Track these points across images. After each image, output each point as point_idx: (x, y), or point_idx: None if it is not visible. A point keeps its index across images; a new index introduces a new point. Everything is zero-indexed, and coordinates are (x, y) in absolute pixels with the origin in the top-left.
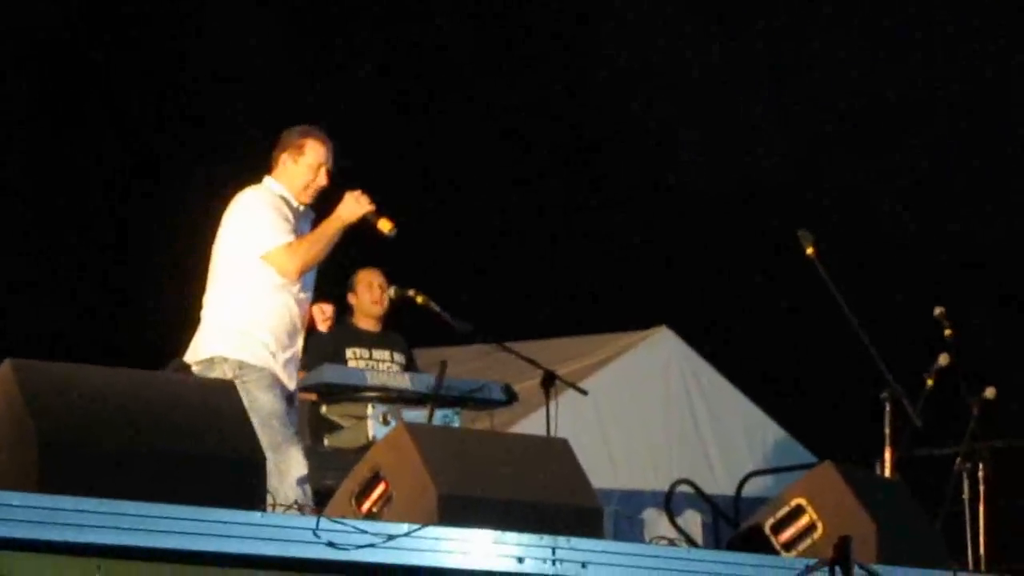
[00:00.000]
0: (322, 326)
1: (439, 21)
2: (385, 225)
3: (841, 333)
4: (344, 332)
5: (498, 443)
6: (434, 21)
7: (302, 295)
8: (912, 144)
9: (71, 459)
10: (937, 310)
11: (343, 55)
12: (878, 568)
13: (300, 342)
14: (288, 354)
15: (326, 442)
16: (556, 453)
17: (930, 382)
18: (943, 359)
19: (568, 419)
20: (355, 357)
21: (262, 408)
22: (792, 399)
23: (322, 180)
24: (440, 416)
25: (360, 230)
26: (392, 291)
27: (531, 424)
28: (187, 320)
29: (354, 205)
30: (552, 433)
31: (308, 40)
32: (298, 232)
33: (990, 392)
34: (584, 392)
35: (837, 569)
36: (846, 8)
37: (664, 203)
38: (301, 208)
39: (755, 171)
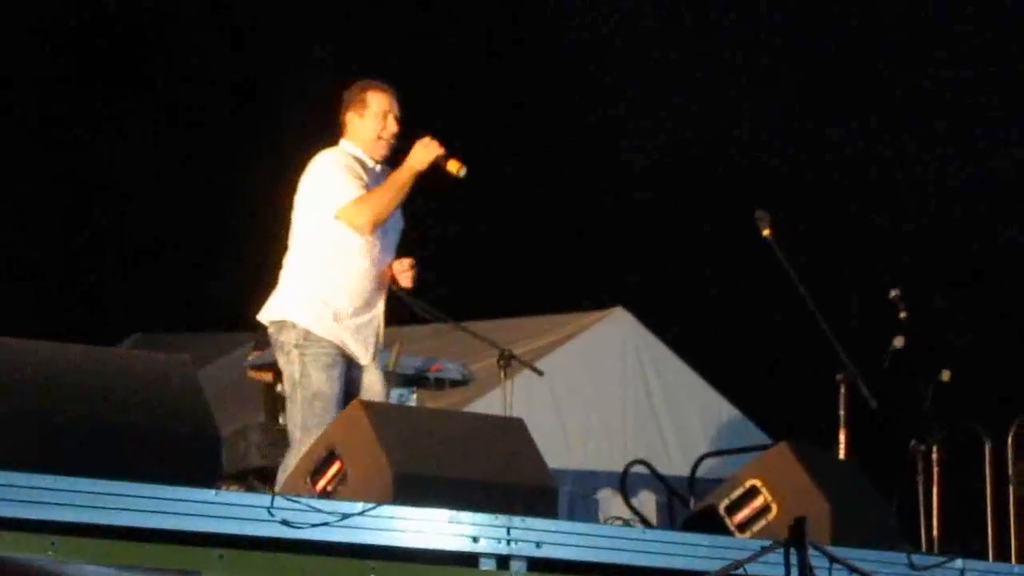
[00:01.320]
0: (404, 281)
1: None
2: (454, 166)
3: (797, 314)
4: None
5: (454, 422)
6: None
7: (383, 256)
8: (869, 124)
9: (24, 435)
10: (893, 292)
11: None
12: (833, 549)
13: (380, 305)
14: (364, 318)
15: (281, 420)
16: (511, 432)
17: (885, 364)
18: (898, 341)
19: (524, 399)
20: None
21: (310, 385)
22: (747, 380)
23: (392, 127)
24: (396, 395)
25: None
26: None
27: (487, 403)
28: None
29: (423, 152)
30: (508, 413)
31: None
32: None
33: (945, 374)
34: (540, 372)
35: (793, 550)
36: None
37: (621, 183)
38: (377, 167)
39: (711, 151)
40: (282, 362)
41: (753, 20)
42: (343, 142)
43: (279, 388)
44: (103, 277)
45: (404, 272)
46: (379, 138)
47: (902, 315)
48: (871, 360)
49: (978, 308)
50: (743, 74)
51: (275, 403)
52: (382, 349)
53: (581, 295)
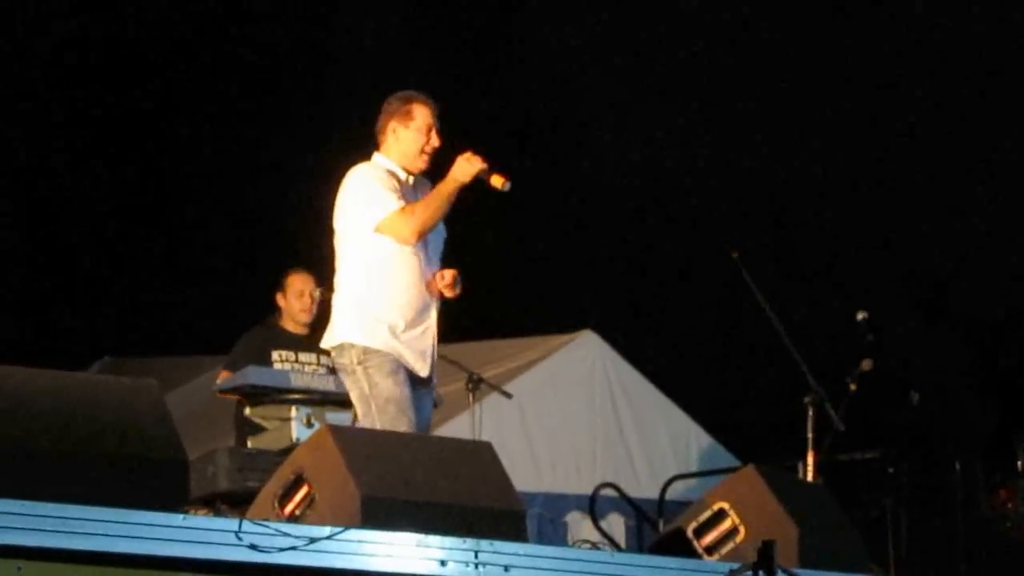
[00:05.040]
0: (448, 293)
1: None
2: (498, 181)
3: (764, 337)
4: (270, 334)
5: (422, 446)
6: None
7: (427, 268)
8: (836, 147)
9: None
10: (860, 315)
11: None
12: (800, 572)
13: (432, 316)
14: (418, 330)
15: (249, 443)
16: (480, 456)
17: (852, 386)
18: (865, 364)
19: (492, 422)
20: (281, 359)
21: (380, 393)
22: (715, 403)
23: (434, 142)
24: None
25: (475, 188)
26: (319, 292)
27: (455, 427)
28: None
29: (466, 165)
30: (476, 436)
31: None
32: (409, 202)
33: (913, 396)
34: (508, 395)
35: (761, 573)
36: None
37: (590, 207)
38: (412, 180)
39: (681, 176)
40: (349, 384)
41: (718, 46)
42: (377, 156)
43: (247, 411)
44: (71, 302)
45: (446, 284)
46: (422, 152)
47: (869, 338)
48: (838, 383)
49: (945, 331)
50: (709, 98)
51: (243, 427)
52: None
53: (550, 318)
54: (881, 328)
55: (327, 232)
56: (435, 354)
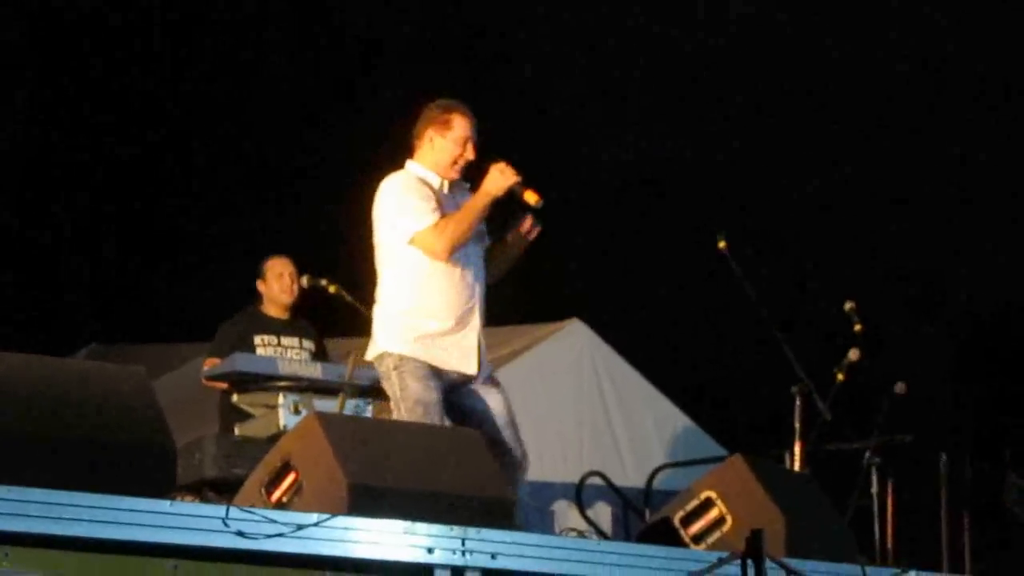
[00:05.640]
0: (533, 235)
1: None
2: (531, 197)
3: (752, 327)
4: (252, 319)
5: (409, 433)
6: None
7: (466, 273)
8: (823, 137)
9: None
10: (847, 305)
11: None
12: (788, 561)
13: (475, 316)
14: (460, 333)
15: (236, 431)
16: (467, 444)
17: (840, 376)
18: (853, 354)
19: None
20: (263, 344)
21: (409, 395)
22: (703, 392)
23: (470, 154)
24: (351, 406)
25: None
26: (305, 280)
27: None
28: None
29: (500, 178)
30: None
31: None
32: (446, 210)
33: (900, 387)
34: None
35: (749, 562)
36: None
37: (578, 196)
38: (445, 187)
39: (669, 164)
40: (387, 389)
41: (707, 32)
42: (411, 164)
43: (234, 399)
44: (58, 288)
45: (528, 230)
46: (454, 163)
47: (857, 327)
48: (826, 372)
49: (933, 321)
50: (698, 87)
51: (230, 414)
52: (331, 360)
53: (537, 307)
54: (869, 318)
55: (311, 222)
56: (483, 356)
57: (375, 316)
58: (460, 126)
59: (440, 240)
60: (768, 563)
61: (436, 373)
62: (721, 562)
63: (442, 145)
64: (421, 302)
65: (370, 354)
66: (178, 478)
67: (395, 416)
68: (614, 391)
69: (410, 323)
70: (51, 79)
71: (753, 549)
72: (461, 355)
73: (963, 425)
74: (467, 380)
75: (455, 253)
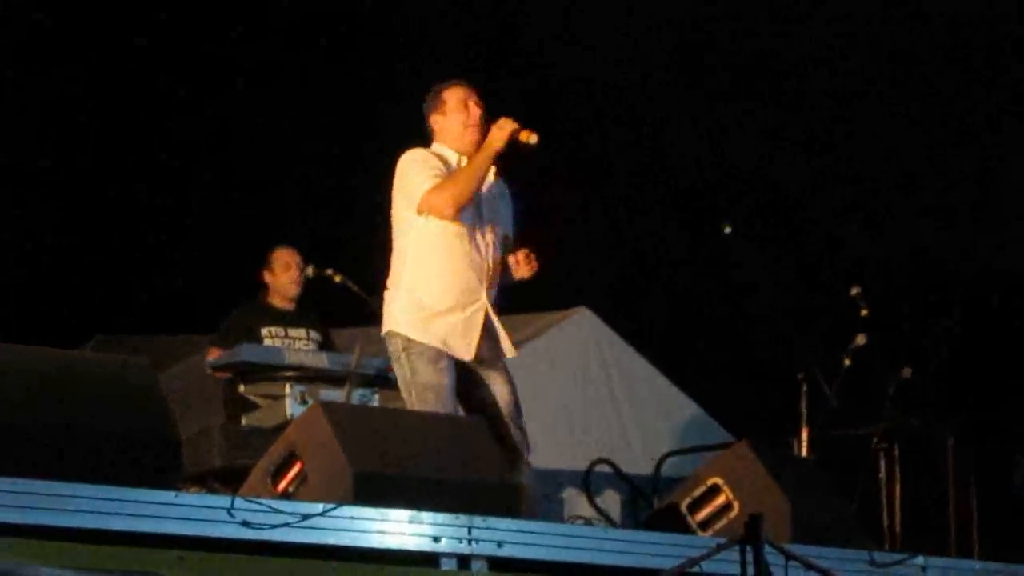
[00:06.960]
0: (522, 272)
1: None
2: (525, 135)
3: (759, 312)
4: (258, 310)
5: (414, 422)
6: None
7: (479, 249)
8: (828, 123)
9: None
10: (854, 290)
11: None
12: (790, 547)
13: (482, 298)
14: (462, 314)
15: (243, 421)
16: (473, 432)
17: (847, 362)
18: (860, 339)
19: None
20: (270, 335)
21: (420, 380)
22: (710, 378)
23: (475, 112)
24: (357, 395)
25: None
26: (310, 270)
27: None
28: None
29: (499, 132)
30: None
31: None
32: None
33: (906, 372)
34: None
35: (748, 548)
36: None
37: (586, 184)
38: (463, 162)
39: (676, 150)
40: (396, 370)
41: (713, 13)
42: (434, 145)
43: (240, 388)
44: (64, 280)
45: (519, 264)
46: (466, 127)
47: (863, 312)
48: (832, 358)
49: (940, 305)
50: (704, 73)
51: (236, 404)
52: (338, 350)
53: (544, 295)
54: (875, 303)
55: (316, 211)
56: (492, 334)
57: (387, 293)
58: (452, 95)
59: (441, 196)
60: (768, 548)
61: (444, 354)
62: (719, 548)
63: (445, 123)
64: (425, 280)
65: (382, 329)
66: (184, 469)
67: (405, 399)
68: (621, 379)
69: (411, 298)
70: (55, 70)
71: (752, 534)
72: (460, 337)
73: (970, 409)
74: (479, 360)
75: (471, 225)
